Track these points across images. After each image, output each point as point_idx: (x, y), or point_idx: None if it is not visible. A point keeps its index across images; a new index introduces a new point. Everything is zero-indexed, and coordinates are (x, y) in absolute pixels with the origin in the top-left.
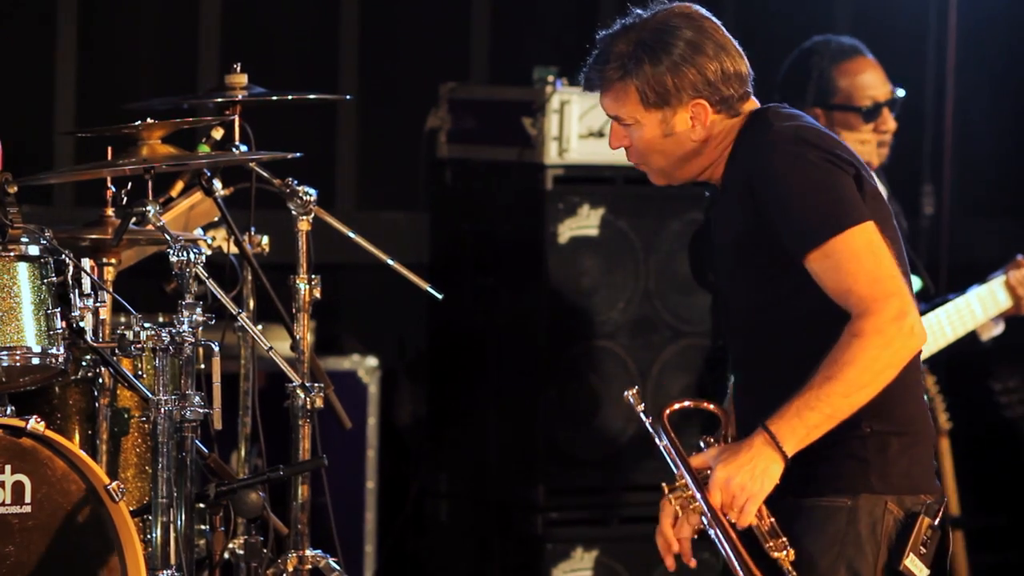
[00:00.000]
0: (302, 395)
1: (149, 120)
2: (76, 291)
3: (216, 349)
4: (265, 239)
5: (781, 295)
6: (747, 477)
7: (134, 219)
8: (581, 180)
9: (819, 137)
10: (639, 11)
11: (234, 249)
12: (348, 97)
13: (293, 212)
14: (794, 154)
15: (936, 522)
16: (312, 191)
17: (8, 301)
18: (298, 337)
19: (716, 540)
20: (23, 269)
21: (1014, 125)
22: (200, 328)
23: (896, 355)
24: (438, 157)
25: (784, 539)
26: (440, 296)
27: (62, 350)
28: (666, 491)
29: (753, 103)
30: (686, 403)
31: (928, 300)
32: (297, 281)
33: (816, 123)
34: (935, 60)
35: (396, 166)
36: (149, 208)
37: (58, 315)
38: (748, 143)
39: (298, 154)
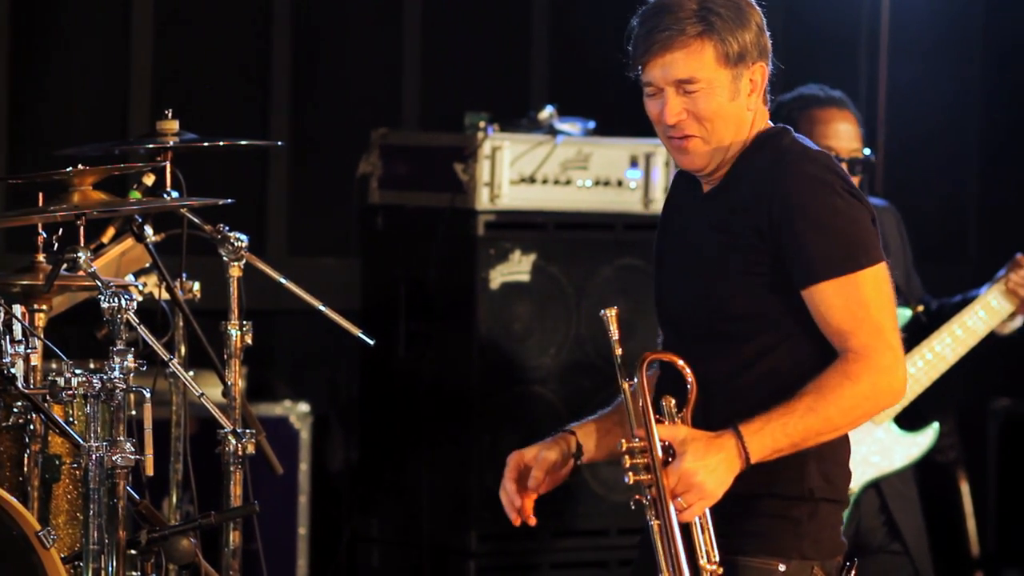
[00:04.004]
0: (234, 441)
1: (80, 166)
2: (7, 337)
3: (147, 395)
4: (196, 285)
5: (761, 312)
6: (711, 478)
7: (65, 265)
8: (513, 226)
9: (843, 172)
10: None
11: (166, 295)
12: (279, 143)
13: (225, 258)
14: (823, 181)
15: None
16: (244, 237)
17: None
18: (230, 383)
19: (656, 519)
20: None
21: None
22: (131, 374)
23: (875, 408)
24: (370, 203)
25: (717, 557)
26: (372, 342)
27: None
28: (623, 448)
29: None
30: (664, 356)
31: (920, 327)
32: (229, 327)
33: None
34: (867, 58)
35: (328, 212)
36: (80, 254)
37: None
38: (770, 155)
39: (230, 200)
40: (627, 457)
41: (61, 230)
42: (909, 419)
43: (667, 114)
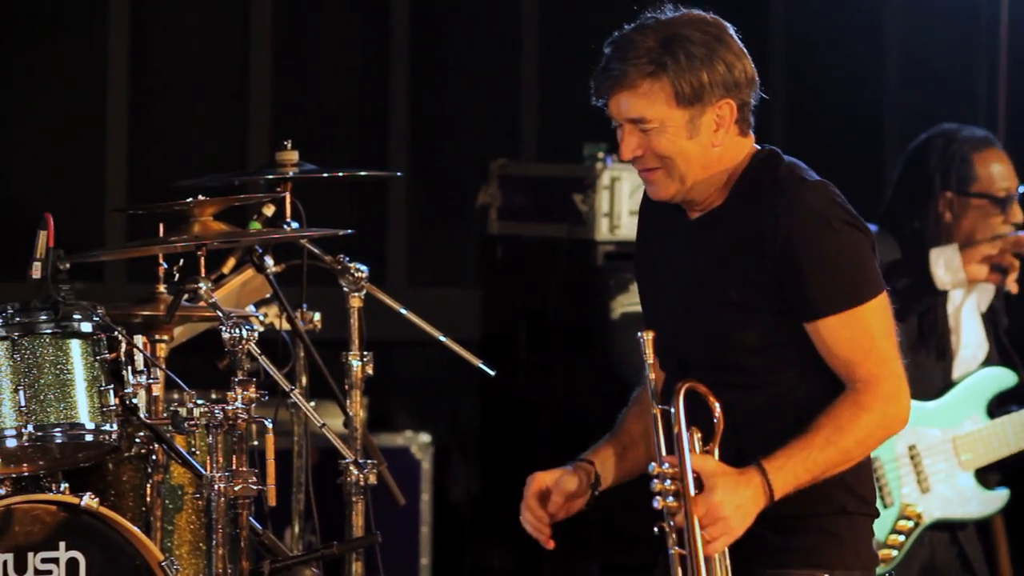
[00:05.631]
0: (355, 472)
1: (201, 197)
2: (129, 368)
3: (269, 426)
4: (317, 315)
5: (769, 344)
6: (737, 514)
7: (186, 296)
8: (632, 256)
9: (842, 197)
10: (652, 15)
11: (286, 326)
12: (399, 174)
13: (345, 289)
14: (824, 216)
15: None
16: (364, 268)
17: (61, 377)
18: (351, 414)
19: (679, 547)
20: (76, 346)
21: None
22: (253, 405)
23: (886, 435)
24: (489, 233)
25: None
26: (493, 372)
27: (115, 427)
28: (653, 472)
29: (752, 137)
30: (698, 387)
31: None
32: (350, 358)
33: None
34: (986, 92)
35: (447, 242)
36: (201, 285)
37: (111, 392)
38: (770, 187)
39: (349, 231)
40: (657, 482)
41: (182, 261)
42: (987, 476)
43: (622, 150)
